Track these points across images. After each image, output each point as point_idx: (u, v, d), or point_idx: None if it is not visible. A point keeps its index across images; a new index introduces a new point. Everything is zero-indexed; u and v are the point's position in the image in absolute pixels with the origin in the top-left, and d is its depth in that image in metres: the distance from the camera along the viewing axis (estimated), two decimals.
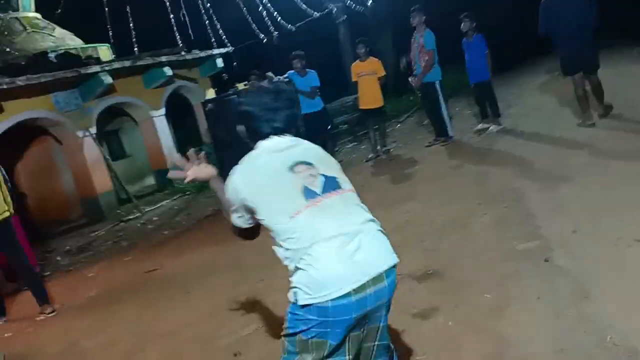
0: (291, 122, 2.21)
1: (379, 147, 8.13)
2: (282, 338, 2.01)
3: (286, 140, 2.15)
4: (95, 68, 9.32)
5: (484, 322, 2.87)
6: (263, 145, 2.15)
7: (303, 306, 1.90)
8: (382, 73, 7.86)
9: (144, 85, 10.69)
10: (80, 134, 9.46)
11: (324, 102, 8.11)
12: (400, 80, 10.58)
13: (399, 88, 12.60)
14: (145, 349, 3.76)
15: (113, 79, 9.59)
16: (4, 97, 8.25)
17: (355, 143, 10.03)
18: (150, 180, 11.48)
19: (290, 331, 1.95)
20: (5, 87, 8.02)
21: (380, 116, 8.22)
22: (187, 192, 9.86)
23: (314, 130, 7.19)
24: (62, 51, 9.93)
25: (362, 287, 1.88)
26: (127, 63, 10.03)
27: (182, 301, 4.51)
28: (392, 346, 2.15)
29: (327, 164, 2.11)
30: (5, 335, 4.79)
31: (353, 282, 1.87)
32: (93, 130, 9.65)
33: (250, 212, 2.07)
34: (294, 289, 1.93)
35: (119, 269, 6.20)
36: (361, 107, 8.18)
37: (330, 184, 2.02)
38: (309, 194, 1.97)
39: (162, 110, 11.04)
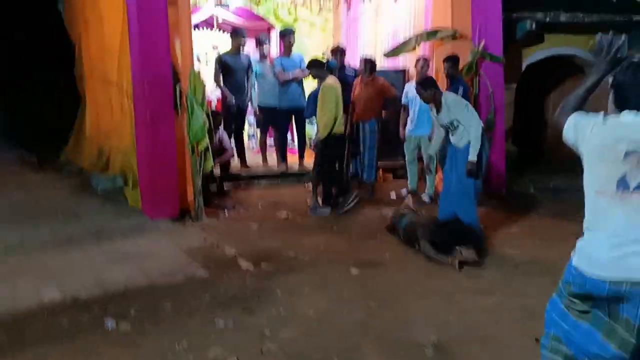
0: None
1: None
2: (560, 281, 2.27)
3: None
4: None
5: None
6: (623, 117, 2.11)
7: (573, 264, 2.15)
8: None
9: None
10: (611, 80, 9.26)
11: None
12: None
13: None
14: None
15: None
16: (547, 29, 8.83)
17: None
18: None
19: (565, 277, 2.22)
20: (548, 20, 8.58)
21: None
22: None
23: None
24: None
25: (618, 283, 2.02)
26: None
27: None
28: None
29: None
30: None
31: (610, 275, 2.02)
32: None
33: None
34: (575, 249, 2.18)
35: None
36: None
37: None
38: (622, 184, 2.03)
39: None
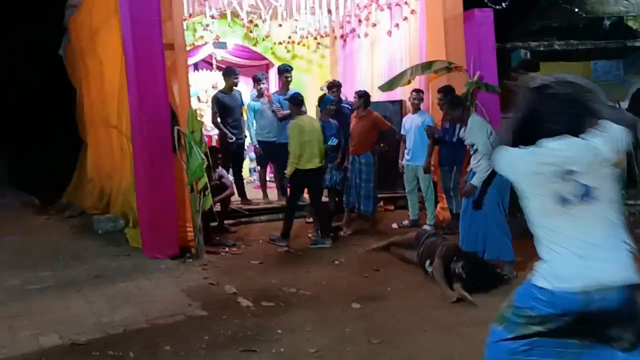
0: (574, 127, 2.26)
1: None
2: (505, 311, 2.37)
3: (567, 146, 2.24)
4: None
5: None
6: (543, 143, 2.28)
7: (538, 287, 2.25)
8: None
9: None
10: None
11: None
12: None
13: None
14: None
15: None
16: (542, 57, 8.94)
17: None
18: None
19: (519, 303, 2.32)
20: (542, 49, 8.70)
21: None
22: None
23: None
24: (617, 19, 9.71)
25: (588, 292, 2.16)
26: None
27: None
28: None
29: (594, 172, 2.23)
30: None
31: (579, 284, 2.17)
32: (624, 104, 9.34)
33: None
34: (535, 271, 2.29)
35: None
36: None
37: (586, 194, 2.22)
38: (563, 201, 2.22)
39: None
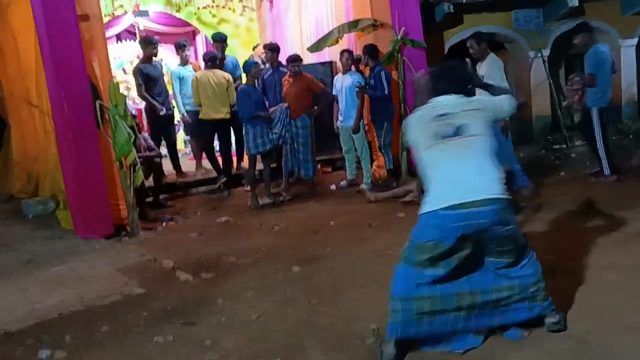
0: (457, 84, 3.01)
1: None
2: (405, 251, 2.87)
3: (448, 99, 2.97)
4: None
5: None
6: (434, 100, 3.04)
7: (425, 213, 2.75)
8: None
9: (620, 11, 9.72)
10: (531, 54, 9.60)
11: None
12: None
13: None
14: None
15: (582, 1, 9.11)
16: (465, 10, 9.04)
17: None
18: None
19: (417, 239, 2.80)
20: (465, 1, 8.79)
21: None
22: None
23: None
24: None
25: (463, 205, 2.64)
26: None
27: None
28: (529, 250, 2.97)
29: (466, 115, 2.84)
30: None
31: (457, 199, 2.66)
32: (546, 52, 9.61)
33: None
34: (422, 204, 2.81)
35: None
36: None
37: (459, 131, 2.80)
38: (440, 136, 2.82)
39: (634, 41, 9.90)
